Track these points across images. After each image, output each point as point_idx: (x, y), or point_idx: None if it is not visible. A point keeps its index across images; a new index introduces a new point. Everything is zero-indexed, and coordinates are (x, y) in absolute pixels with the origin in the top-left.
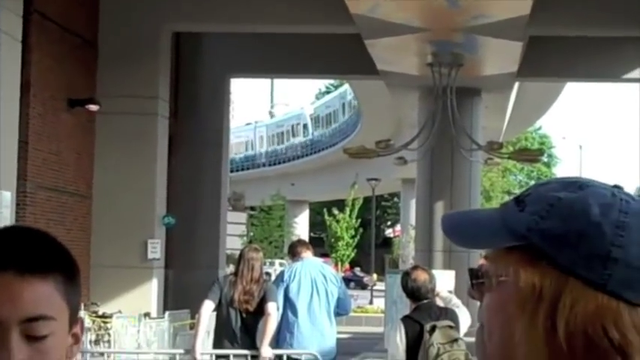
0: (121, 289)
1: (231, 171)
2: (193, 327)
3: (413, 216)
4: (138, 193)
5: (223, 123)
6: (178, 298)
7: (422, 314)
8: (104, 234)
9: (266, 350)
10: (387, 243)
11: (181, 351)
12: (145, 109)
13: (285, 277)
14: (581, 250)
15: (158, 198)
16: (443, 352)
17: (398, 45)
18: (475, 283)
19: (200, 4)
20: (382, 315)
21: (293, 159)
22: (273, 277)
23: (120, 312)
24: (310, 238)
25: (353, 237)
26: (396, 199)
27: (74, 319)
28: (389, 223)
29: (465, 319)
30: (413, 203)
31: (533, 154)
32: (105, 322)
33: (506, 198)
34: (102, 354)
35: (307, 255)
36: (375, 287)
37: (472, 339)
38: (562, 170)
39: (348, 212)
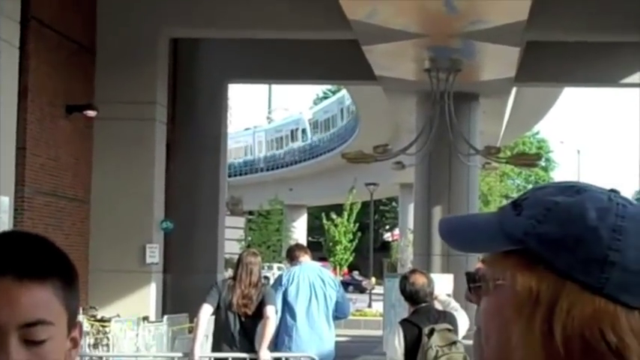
0: (119, 294)
1: (230, 176)
2: (192, 331)
3: (411, 220)
4: (136, 198)
5: (221, 128)
6: (177, 302)
7: (420, 317)
8: (102, 239)
9: (265, 354)
10: (385, 247)
11: (180, 354)
12: (142, 114)
13: (284, 281)
14: (578, 254)
15: (156, 203)
16: (441, 354)
17: (395, 51)
18: (472, 286)
19: (198, 10)
20: (381, 318)
21: (291, 164)
22: (271, 282)
23: (118, 316)
24: (308, 242)
25: (351, 241)
26: (394, 204)
27: (73, 324)
28: (387, 227)
29: (464, 322)
30: (411, 207)
31: (530, 158)
32: (103, 326)
33: (504, 202)
34: (101, 358)
35: (305, 259)
36: (373, 291)
37: (470, 342)
38: (560, 175)
39: (346, 217)
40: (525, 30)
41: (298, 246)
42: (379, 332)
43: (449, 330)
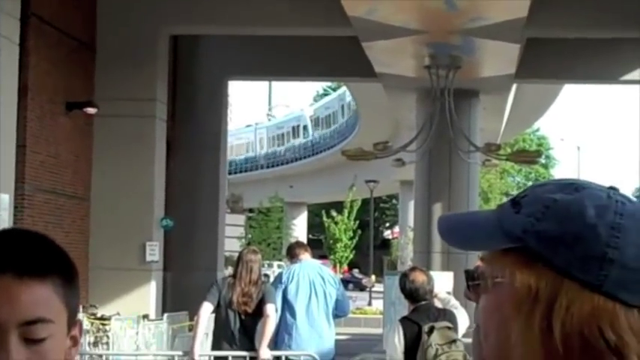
0: (119, 292)
1: (232, 173)
2: (192, 329)
3: (411, 217)
4: (136, 196)
5: (221, 126)
6: (177, 300)
7: (420, 315)
8: (102, 236)
9: (264, 352)
10: (385, 245)
11: (180, 353)
12: (142, 111)
13: (284, 278)
14: (576, 252)
15: (156, 200)
16: (441, 353)
17: (395, 47)
18: (471, 284)
19: (197, 7)
20: (381, 316)
21: (291, 161)
22: (271, 279)
23: (118, 314)
24: (308, 239)
25: (351, 239)
26: (394, 201)
27: (73, 322)
28: (387, 224)
29: (464, 320)
30: (411, 205)
31: (531, 155)
32: (103, 325)
33: (505, 199)
34: (100, 356)
35: (305, 257)
36: (373, 289)
37: (470, 340)
38: (560, 172)
39: (346, 214)
40: (525, 27)
41: (298, 244)
42: (379, 330)
43: (449, 328)
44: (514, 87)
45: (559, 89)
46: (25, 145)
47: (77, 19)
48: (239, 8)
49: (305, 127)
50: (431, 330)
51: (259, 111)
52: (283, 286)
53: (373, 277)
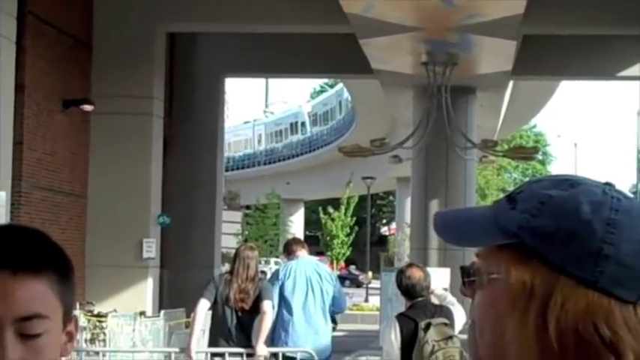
0: (116, 289)
1: (229, 170)
2: (189, 326)
3: (408, 214)
4: (133, 193)
5: (218, 123)
6: (174, 297)
7: (417, 312)
8: (99, 233)
9: (261, 348)
10: (382, 241)
11: (177, 349)
12: (139, 109)
13: (281, 275)
14: (572, 248)
15: (153, 197)
16: (437, 349)
17: (392, 44)
18: (467, 280)
19: (194, 5)
20: (377, 313)
21: (288, 158)
22: (268, 276)
23: (115, 311)
24: (305, 236)
25: (348, 235)
26: (391, 198)
27: (68, 317)
28: (384, 221)
29: (460, 316)
30: (408, 201)
31: (528, 151)
32: (100, 321)
33: (501, 196)
34: (97, 353)
35: (302, 253)
36: (370, 285)
37: (466, 336)
38: (557, 168)
39: (343, 210)
40: (522, 23)
41: (295, 240)
42: (376, 327)
43: (445, 324)
44: (511, 84)
45: (556, 86)
46: (22, 142)
47: (74, 17)
48: (236, 6)
49: (303, 124)
50: (427, 326)
51: (256, 108)
52: (280, 283)
53: (370, 273)
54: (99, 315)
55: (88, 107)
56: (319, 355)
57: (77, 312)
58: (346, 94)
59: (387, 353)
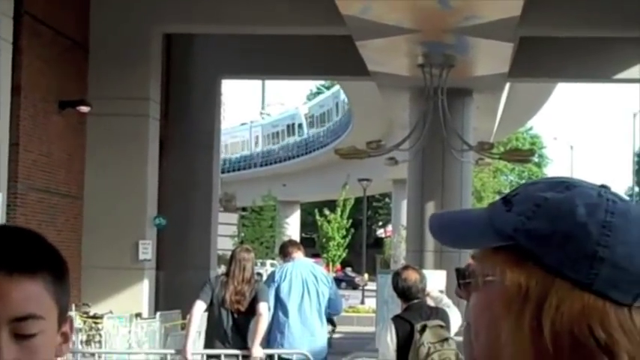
0: (112, 290)
1: (227, 171)
2: (185, 327)
3: (404, 216)
4: (129, 195)
5: (214, 124)
6: (169, 299)
7: (413, 314)
8: (95, 235)
9: (257, 350)
10: (378, 243)
11: (172, 351)
12: (136, 110)
13: (277, 277)
14: (567, 251)
15: (149, 199)
16: (433, 351)
17: (389, 46)
18: (462, 282)
19: (191, 6)
20: (373, 315)
21: (285, 159)
22: (264, 278)
23: (111, 312)
24: (301, 238)
25: (344, 237)
26: (387, 200)
27: (63, 318)
28: (380, 223)
29: (456, 318)
30: (404, 204)
31: (524, 154)
32: (96, 323)
33: (498, 198)
34: (93, 354)
35: (298, 255)
36: (366, 287)
37: (462, 338)
38: (553, 170)
39: (339, 213)
40: (518, 26)
41: (291, 242)
42: (372, 329)
43: (441, 326)
44: (507, 86)
45: (552, 88)
46: (18, 143)
47: (70, 18)
48: (232, 7)
49: (300, 126)
50: (423, 328)
51: (253, 109)
52: (276, 285)
53: (366, 275)
54: (95, 316)
55: (84, 108)
56: (315, 357)
57: (73, 313)
58: (343, 96)
59: (383, 355)
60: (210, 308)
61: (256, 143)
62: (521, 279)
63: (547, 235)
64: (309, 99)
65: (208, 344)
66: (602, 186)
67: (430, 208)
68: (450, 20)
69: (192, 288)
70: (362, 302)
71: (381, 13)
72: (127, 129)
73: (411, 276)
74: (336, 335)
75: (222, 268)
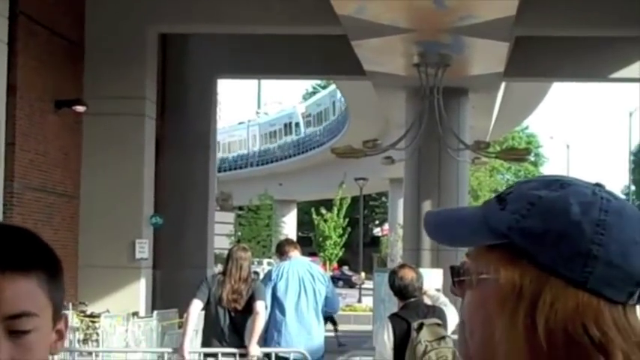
0: (109, 289)
1: (223, 170)
2: (181, 326)
3: (401, 215)
4: (125, 194)
5: (210, 124)
6: (166, 298)
7: (409, 312)
8: (92, 234)
9: (254, 349)
10: (375, 242)
11: (169, 350)
12: (132, 109)
13: (273, 276)
14: (561, 249)
15: (146, 198)
16: (430, 349)
17: (384, 46)
18: (457, 280)
19: (186, 5)
20: (370, 313)
21: (281, 159)
22: (261, 277)
23: (108, 311)
24: (298, 237)
25: (341, 236)
26: (383, 199)
27: (58, 316)
28: (377, 222)
29: (453, 317)
30: (401, 202)
31: (520, 153)
32: (93, 322)
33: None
34: (90, 353)
35: (295, 254)
36: (363, 286)
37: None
38: (549, 169)
39: (336, 211)
40: (514, 25)
41: (288, 241)
42: (369, 327)
43: (438, 325)
44: (503, 85)
45: (548, 87)
46: (14, 143)
47: (66, 17)
48: (228, 7)
49: (297, 124)
50: (420, 327)
51: (249, 109)
52: (273, 284)
53: (363, 274)
54: (92, 315)
55: (80, 108)
56: (312, 356)
57: (70, 312)
58: (339, 95)
59: (380, 353)
60: (207, 307)
61: (254, 142)
62: (516, 277)
63: (541, 234)
64: (304, 98)
65: (205, 343)
66: (597, 184)
67: (427, 207)
68: (446, 20)
69: (189, 287)
70: (359, 301)
71: (376, 13)
72: (123, 128)
73: (408, 274)
74: (332, 334)
75: (219, 267)
